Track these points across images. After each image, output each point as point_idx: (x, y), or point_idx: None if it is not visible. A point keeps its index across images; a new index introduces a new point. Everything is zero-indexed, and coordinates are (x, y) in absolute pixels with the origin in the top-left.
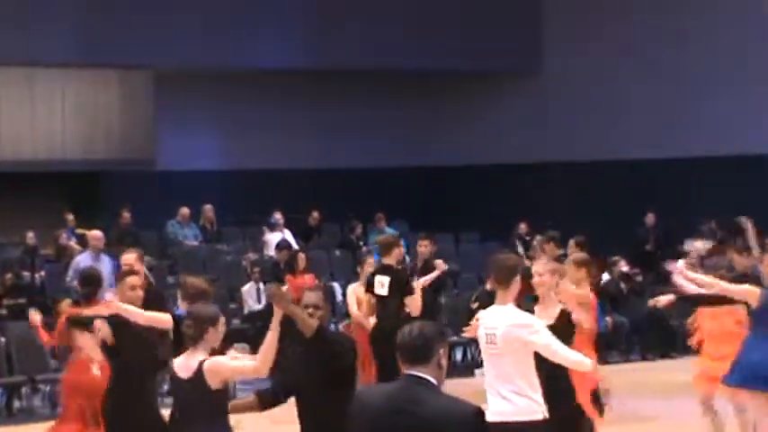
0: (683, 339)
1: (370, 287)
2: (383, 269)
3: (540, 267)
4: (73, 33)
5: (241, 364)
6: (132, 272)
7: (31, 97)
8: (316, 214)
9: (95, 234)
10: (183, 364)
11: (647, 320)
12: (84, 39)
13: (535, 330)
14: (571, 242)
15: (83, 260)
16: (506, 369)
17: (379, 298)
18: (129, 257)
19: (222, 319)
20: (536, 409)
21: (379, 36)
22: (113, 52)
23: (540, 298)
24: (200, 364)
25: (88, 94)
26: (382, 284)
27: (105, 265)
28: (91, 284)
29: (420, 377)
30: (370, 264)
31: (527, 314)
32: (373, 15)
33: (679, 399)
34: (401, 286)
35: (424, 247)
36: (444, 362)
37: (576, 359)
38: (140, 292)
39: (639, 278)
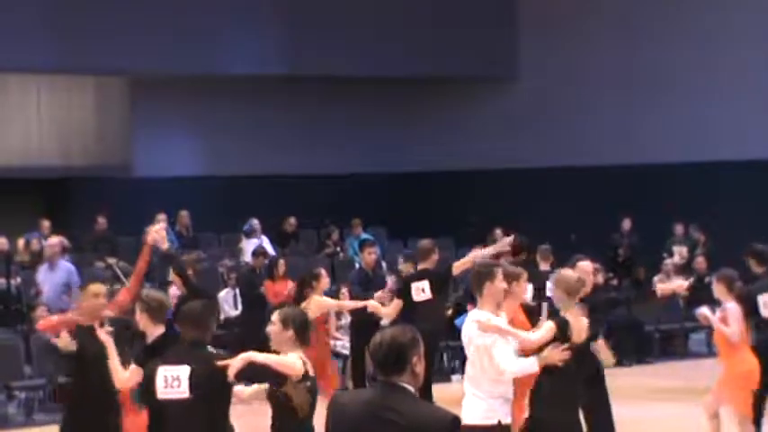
0: (658, 345)
1: (402, 294)
2: (420, 274)
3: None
4: (48, 40)
5: None
6: (98, 280)
7: (6, 104)
8: (292, 220)
9: (50, 241)
10: None
11: (623, 326)
12: (59, 45)
13: (492, 339)
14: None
15: (41, 271)
16: (476, 373)
17: (420, 303)
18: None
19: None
20: (491, 414)
21: (356, 42)
22: (89, 58)
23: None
24: None
25: (63, 101)
26: (423, 290)
27: (60, 273)
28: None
29: (396, 385)
30: (324, 276)
31: (492, 322)
32: (351, 21)
33: (655, 404)
34: (442, 285)
35: (370, 255)
36: (420, 368)
37: (502, 368)
38: (103, 300)
39: (615, 282)
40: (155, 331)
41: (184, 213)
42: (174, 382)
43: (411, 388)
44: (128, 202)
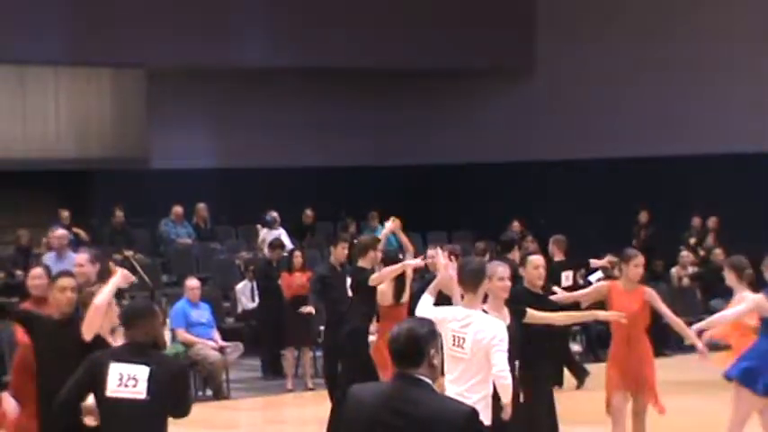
0: (676, 338)
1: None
2: (351, 271)
3: (506, 271)
4: (65, 32)
5: None
6: (67, 273)
7: (24, 96)
8: (309, 212)
9: (57, 233)
10: None
11: None
12: (76, 37)
13: (498, 341)
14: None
15: (48, 258)
16: (467, 373)
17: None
18: (82, 257)
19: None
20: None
21: (371, 35)
22: (105, 51)
23: (501, 301)
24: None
25: (80, 93)
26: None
27: (71, 265)
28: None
29: (414, 377)
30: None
31: (494, 321)
32: (369, 14)
33: (673, 396)
34: (356, 285)
35: (342, 250)
36: (437, 360)
37: (503, 374)
38: (70, 294)
39: None
40: None
41: (202, 206)
42: (129, 381)
43: (428, 380)
44: (145, 194)
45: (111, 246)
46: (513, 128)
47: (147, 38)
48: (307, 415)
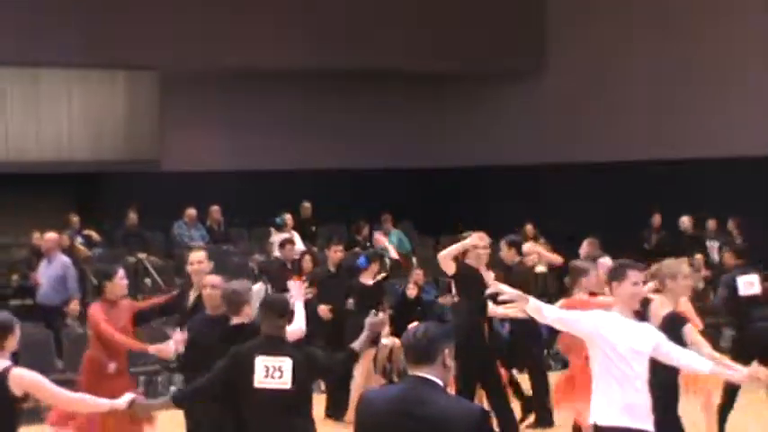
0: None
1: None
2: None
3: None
4: (79, 34)
5: (59, 392)
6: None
7: (37, 98)
8: (306, 204)
9: (46, 236)
10: None
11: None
12: (89, 39)
13: None
14: (584, 243)
15: (41, 266)
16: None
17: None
18: (199, 255)
19: (18, 326)
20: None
21: (384, 38)
22: (119, 54)
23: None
24: (6, 370)
25: (94, 95)
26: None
27: (56, 267)
28: None
29: (425, 378)
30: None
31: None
32: (379, 16)
33: (686, 399)
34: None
35: (335, 253)
36: (450, 362)
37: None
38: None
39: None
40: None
41: (216, 208)
42: (275, 372)
43: (440, 381)
44: (158, 196)
45: (124, 248)
46: (525, 131)
47: (160, 40)
48: (322, 416)
